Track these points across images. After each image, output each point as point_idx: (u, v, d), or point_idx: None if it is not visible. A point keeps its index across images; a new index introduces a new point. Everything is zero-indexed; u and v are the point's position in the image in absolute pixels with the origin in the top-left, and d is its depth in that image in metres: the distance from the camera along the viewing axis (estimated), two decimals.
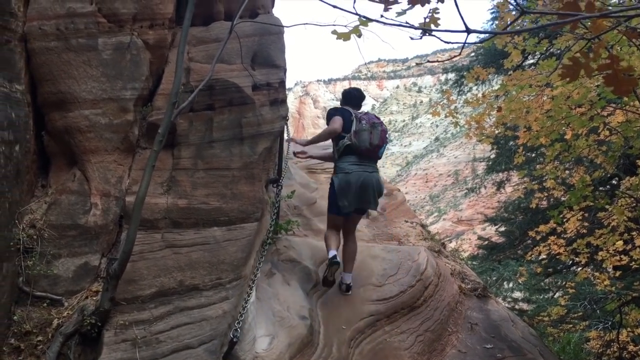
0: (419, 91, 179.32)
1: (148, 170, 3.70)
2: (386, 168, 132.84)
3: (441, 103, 6.94)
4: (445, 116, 6.82)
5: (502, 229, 16.40)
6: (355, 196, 5.43)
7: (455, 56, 2.82)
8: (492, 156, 16.11)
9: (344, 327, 5.63)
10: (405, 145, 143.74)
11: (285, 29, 5.67)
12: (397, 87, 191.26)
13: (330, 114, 5.73)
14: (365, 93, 6.23)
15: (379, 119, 5.71)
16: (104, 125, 4.54)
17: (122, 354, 3.53)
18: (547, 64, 5.51)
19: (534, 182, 10.39)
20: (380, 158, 5.67)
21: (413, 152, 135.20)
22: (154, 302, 3.87)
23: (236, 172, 4.79)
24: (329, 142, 5.91)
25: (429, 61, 2.71)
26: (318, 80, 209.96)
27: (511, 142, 15.00)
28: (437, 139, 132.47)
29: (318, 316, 5.61)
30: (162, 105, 4.93)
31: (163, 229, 4.34)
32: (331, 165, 6.21)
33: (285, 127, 6.97)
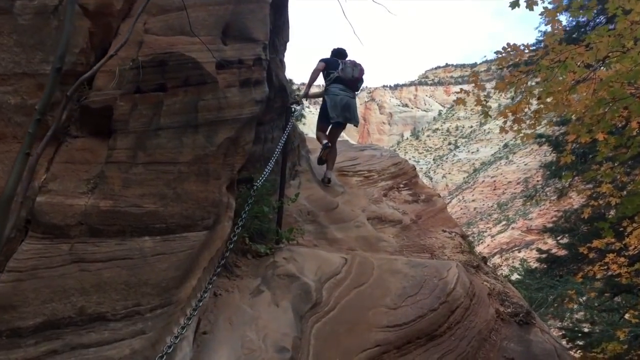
0: (487, 96, 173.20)
1: (19, 159, 2.73)
2: (453, 175, 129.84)
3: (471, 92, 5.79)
4: (475, 106, 5.66)
5: (565, 240, 14.74)
6: (341, 111, 7.24)
7: None
8: (554, 159, 14.55)
9: None
10: (472, 152, 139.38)
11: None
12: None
13: (322, 59, 7.51)
14: (347, 52, 7.79)
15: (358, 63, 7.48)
16: (13, 106, 3.63)
17: None
18: (599, 32, 4.26)
19: (588, 188, 8.89)
20: (358, 90, 7.65)
21: (481, 159, 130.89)
22: (35, 337, 2.89)
23: (184, 167, 3.79)
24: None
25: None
26: (384, 86, 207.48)
27: (573, 145, 13.46)
28: (506, 145, 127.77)
29: (309, 345, 4.56)
30: (104, 85, 4.01)
31: (76, 238, 3.37)
32: (364, 168, 8.63)
33: (291, 116, 6.73)
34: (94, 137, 3.84)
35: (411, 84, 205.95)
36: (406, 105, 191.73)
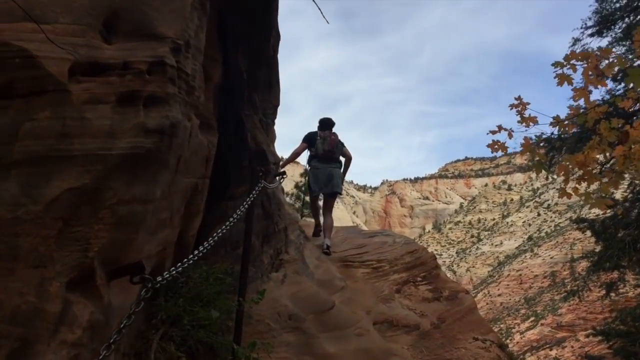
0: (509, 189, 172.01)
1: None
2: (477, 268, 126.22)
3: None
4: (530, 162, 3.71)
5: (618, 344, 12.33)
6: (323, 184, 7.58)
7: None
8: (598, 249, 12.46)
9: None
10: (496, 245, 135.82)
11: None
12: (486, 185, 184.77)
13: (303, 138, 7.72)
14: (334, 120, 7.87)
15: (333, 134, 7.65)
16: None
17: None
18: None
19: None
20: (337, 157, 7.73)
21: (505, 252, 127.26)
22: None
23: None
24: None
25: None
26: (404, 179, 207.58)
27: (623, 232, 11.41)
28: (530, 238, 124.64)
29: None
30: None
31: None
32: (372, 258, 7.80)
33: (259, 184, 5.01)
34: None
35: (431, 177, 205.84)
36: (427, 198, 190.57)
